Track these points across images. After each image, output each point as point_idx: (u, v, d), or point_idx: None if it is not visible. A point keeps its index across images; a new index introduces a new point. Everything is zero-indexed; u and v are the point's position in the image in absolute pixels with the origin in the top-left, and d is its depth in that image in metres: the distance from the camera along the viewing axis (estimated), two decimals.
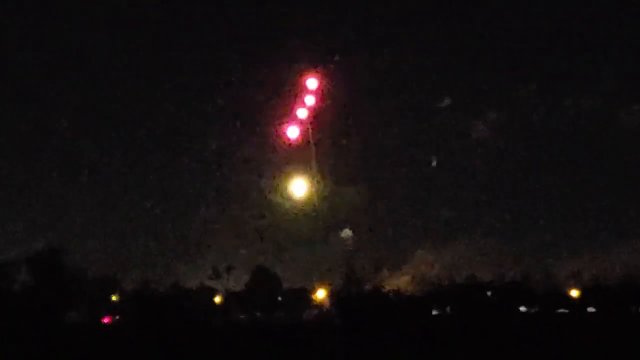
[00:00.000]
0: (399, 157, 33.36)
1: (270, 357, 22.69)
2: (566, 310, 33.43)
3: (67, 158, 33.68)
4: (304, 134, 29.62)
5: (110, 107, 33.25)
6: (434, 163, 32.08)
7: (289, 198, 30.28)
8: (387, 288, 33.56)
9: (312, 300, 33.59)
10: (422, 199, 34.09)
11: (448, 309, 33.97)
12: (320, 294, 33.68)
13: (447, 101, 33.11)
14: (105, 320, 30.94)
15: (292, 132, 30.35)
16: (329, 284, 34.17)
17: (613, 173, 33.52)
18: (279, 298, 32.96)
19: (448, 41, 33.42)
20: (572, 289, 33.07)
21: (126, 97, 33.14)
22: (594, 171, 33.55)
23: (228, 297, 32.24)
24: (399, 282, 33.64)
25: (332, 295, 34.18)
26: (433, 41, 33.03)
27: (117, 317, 31.43)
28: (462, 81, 33.63)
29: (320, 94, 30.53)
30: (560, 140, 33.27)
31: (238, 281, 32.52)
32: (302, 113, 30.40)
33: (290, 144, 29.92)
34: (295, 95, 30.32)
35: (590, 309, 33.28)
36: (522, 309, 34.16)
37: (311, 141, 29.28)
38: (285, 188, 30.32)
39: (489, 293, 33.44)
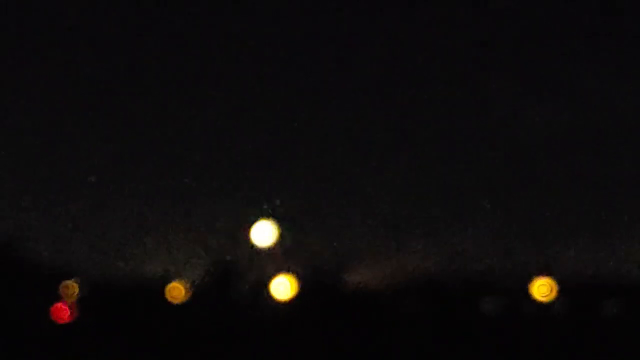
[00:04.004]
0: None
1: (229, 355, 22.00)
2: (538, 306, 32.79)
3: (22, 137, 32.32)
4: None
5: (74, 82, 31.76)
6: None
7: None
8: (356, 281, 32.48)
9: (274, 294, 32.50)
10: (402, 188, 32.68)
11: (417, 302, 33.24)
12: (285, 288, 32.62)
13: None
14: (62, 309, 30.02)
15: None
16: (294, 277, 33.11)
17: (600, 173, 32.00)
18: (240, 293, 31.98)
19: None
20: (541, 279, 32.38)
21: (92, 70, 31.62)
22: (583, 171, 31.96)
23: (189, 291, 31.29)
24: (369, 275, 32.62)
25: (296, 289, 33.04)
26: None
27: (75, 307, 30.53)
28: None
29: None
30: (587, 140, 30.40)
31: (198, 275, 31.45)
32: None
33: None
34: None
35: (563, 306, 32.66)
36: (489, 303, 33.60)
37: None
38: None
39: (456, 285, 32.79)
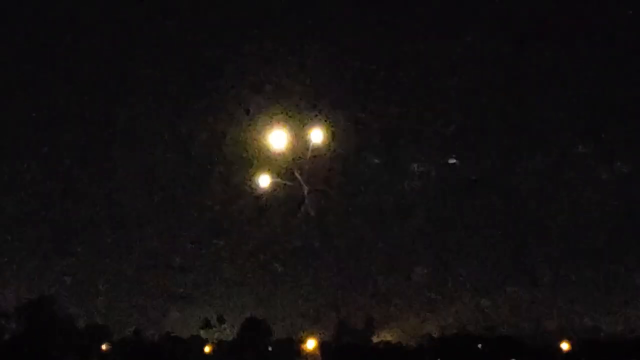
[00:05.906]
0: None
1: None
2: None
3: (55, 207, 33.50)
4: None
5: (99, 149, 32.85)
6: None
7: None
8: (378, 340, 33.80)
9: (302, 350, 33.82)
10: (414, 248, 33.81)
11: None
12: (311, 344, 33.91)
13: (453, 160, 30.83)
14: None
15: None
16: (319, 335, 34.51)
17: (613, 224, 32.79)
18: (269, 348, 33.20)
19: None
20: (564, 342, 33.39)
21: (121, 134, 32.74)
22: (594, 222, 32.74)
23: (219, 347, 32.57)
24: (390, 334, 33.83)
25: (322, 346, 34.48)
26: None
27: None
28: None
29: None
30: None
31: (229, 331, 32.83)
32: None
33: None
34: None
35: None
36: None
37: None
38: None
39: (479, 346, 33.77)
